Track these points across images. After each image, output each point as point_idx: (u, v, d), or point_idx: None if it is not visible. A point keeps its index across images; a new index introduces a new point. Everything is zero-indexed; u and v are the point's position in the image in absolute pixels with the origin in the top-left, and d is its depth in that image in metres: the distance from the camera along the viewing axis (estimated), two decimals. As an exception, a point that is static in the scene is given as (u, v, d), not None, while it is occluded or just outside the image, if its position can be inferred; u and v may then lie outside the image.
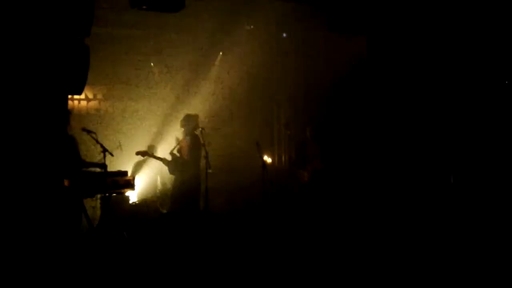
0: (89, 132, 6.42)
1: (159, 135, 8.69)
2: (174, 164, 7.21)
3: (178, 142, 7.34)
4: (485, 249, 4.82)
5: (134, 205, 7.51)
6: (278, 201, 7.45)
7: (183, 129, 7.30)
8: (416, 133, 7.12)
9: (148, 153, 7.45)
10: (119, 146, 7.44)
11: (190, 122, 7.24)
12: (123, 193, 6.94)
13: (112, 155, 6.63)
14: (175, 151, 7.25)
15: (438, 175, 6.78)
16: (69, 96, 8.02)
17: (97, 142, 6.44)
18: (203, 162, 6.96)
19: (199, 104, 9.39)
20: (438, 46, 7.00)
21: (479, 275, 4.12)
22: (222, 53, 9.55)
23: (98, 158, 6.69)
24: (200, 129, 7.12)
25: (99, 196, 6.47)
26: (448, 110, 6.94)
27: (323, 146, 7.54)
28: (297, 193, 7.72)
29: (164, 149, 8.10)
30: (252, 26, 8.99)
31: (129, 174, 7.41)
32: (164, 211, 7.54)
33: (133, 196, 7.87)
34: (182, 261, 4.99)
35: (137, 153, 7.38)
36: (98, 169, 6.40)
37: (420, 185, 6.76)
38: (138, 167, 8.44)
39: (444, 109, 6.96)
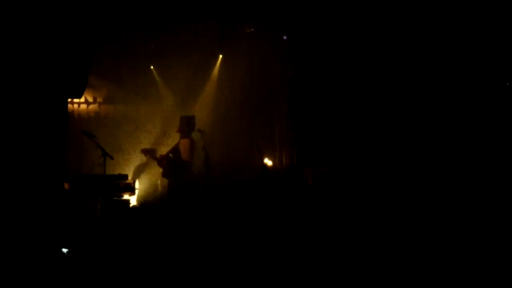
0: (89, 135, 6.38)
1: (159, 138, 8.66)
2: (171, 166, 7.20)
3: (177, 144, 7.33)
4: (484, 249, 4.80)
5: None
6: (279, 202, 7.41)
7: (181, 131, 7.29)
8: (415, 135, 7.11)
9: (152, 153, 7.38)
10: (119, 150, 7.42)
11: (188, 124, 7.23)
12: (123, 197, 6.91)
13: (112, 158, 6.60)
14: (170, 154, 7.25)
15: (436, 176, 6.76)
16: (69, 100, 8.00)
17: (97, 145, 6.41)
18: (202, 163, 6.95)
19: (200, 106, 9.38)
20: (439, 47, 6.98)
21: (479, 274, 4.10)
22: (223, 55, 9.53)
23: (98, 161, 6.67)
24: (200, 131, 7.10)
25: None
26: (447, 112, 6.93)
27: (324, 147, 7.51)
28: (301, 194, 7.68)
29: (164, 152, 8.07)
30: (252, 29, 8.98)
31: (130, 177, 7.39)
32: None
33: (133, 199, 7.84)
34: (180, 260, 4.96)
35: (143, 151, 7.37)
36: None
37: (418, 186, 6.74)
38: (138, 170, 8.40)
39: (444, 111, 6.95)
